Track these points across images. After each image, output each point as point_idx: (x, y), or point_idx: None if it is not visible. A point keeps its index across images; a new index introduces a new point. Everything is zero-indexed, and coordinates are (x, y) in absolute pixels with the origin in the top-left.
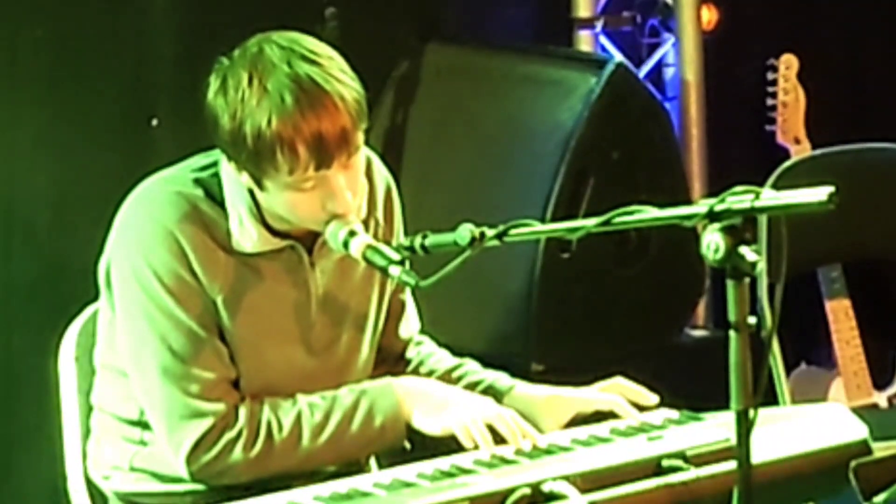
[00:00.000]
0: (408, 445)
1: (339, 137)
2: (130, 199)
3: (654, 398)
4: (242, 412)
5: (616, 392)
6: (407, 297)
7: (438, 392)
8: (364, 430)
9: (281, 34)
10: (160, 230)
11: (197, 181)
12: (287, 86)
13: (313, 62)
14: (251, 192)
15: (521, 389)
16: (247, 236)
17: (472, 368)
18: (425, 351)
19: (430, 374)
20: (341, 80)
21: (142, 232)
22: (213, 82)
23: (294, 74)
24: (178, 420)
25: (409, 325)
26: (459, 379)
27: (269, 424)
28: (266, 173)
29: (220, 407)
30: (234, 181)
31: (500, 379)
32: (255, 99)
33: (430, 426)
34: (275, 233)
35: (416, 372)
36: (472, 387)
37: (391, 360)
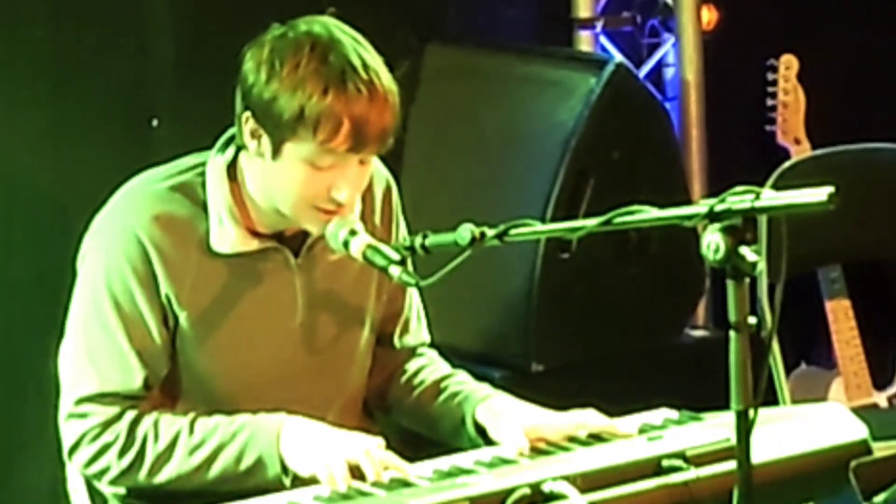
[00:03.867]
0: (287, 483)
1: (381, 129)
2: (113, 197)
3: (628, 428)
4: (126, 418)
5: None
6: (411, 306)
7: (318, 433)
8: (237, 461)
9: (335, 21)
10: (127, 234)
11: (179, 182)
12: (350, 63)
13: (371, 54)
14: (235, 194)
15: (495, 402)
16: (225, 236)
17: (458, 380)
18: (423, 362)
19: (419, 385)
20: (391, 79)
21: (109, 233)
22: (264, 45)
23: (358, 56)
24: (68, 417)
25: (411, 335)
26: (444, 390)
27: (145, 435)
28: (296, 137)
29: (108, 410)
30: (219, 181)
31: (478, 391)
32: (314, 66)
33: (300, 467)
34: (259, 235)
35: (409, 382)
36: (451, 397)
37: (391, 368)
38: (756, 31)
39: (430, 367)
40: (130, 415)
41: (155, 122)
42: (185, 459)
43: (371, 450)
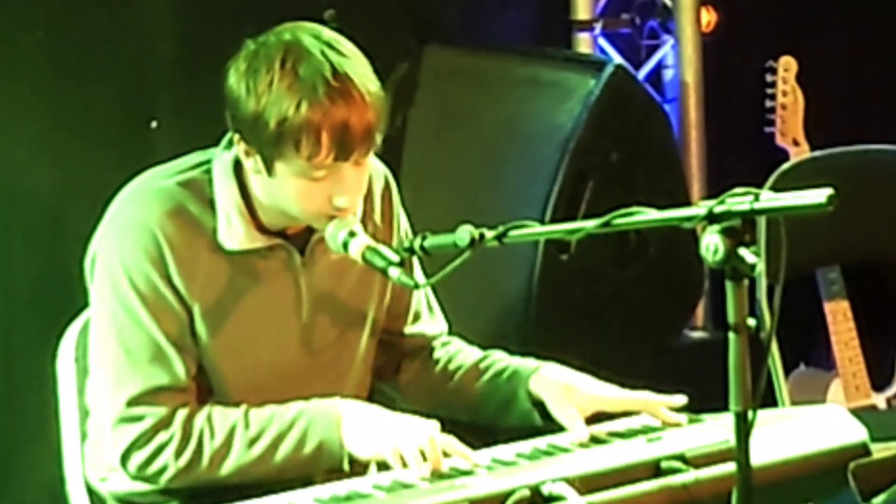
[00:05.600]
0: (346, 467)
1: (364, 131)
2: (120, 196)
3: (681, 399)
4: (179, 417)
5: (644, 401)
6: (419, 300)
7: (378, 417)
8: (297, 449)
9: (309, 25)
10: (141, 229)
11: (186, 179)
12: (320, 73)
13: (344, 55)
14: (241, 190)
15: (547, 372)
16: (233, 233)
17: (498, 357)
18: (453, 349)
19: (457, 369)
20: (369, 76)
21: (123, 229)
22: (240, 63)
23: (328, 64)
24: (119, 420)
25: (425, 324)
26: (487, 369)
27: (201, 432)
28: (283, 156)
29: (160, 410)
30: (226, 178)
31: (525, 364)
32: (286, 83)
33: (363, 450)
34: (265, 231)
35: (444, 370)
36: (498, 374)
37: (416, 360)
38: (755, 33)
39: (463, 352)
40: (182, 413)
41: (154, 124)
42: (244, 452)
43: (434, 436)
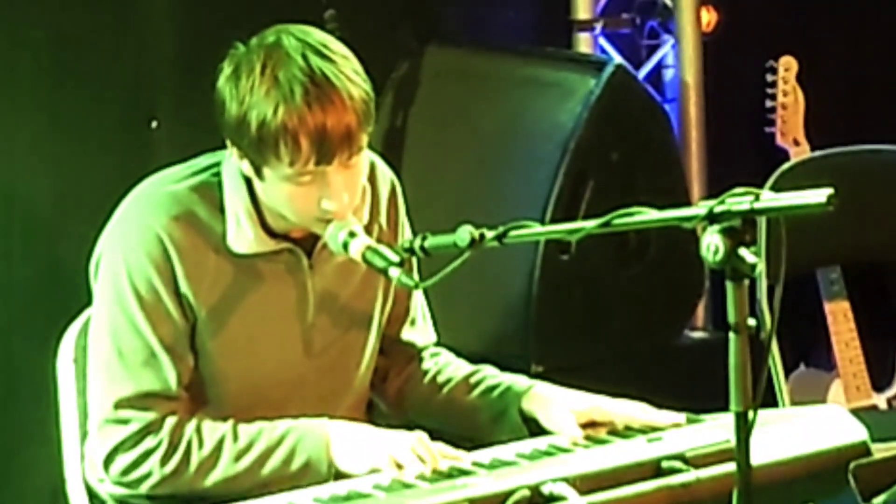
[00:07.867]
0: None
1: (343, 134)
2: (129, 197)
3: (680, 418)
4: (168, 424)
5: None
6: (416, 304)
7: (365, 433)
8: (284, 465)
9: (299, 27)
10: (146, 233)
11: (197, 183)
12: (297, 78)
13: (327, 58)
14: (251, 193)
15: (539, 390)
16: (242, 237)
17: (489, 373)
18: (442, 361)
19: (447, 382)
20: (352, 78)
21: (129, 232)
22: (226, 67)
23: (306, 68)
24: (105, 422)
25: (419, 333)
26: (477, 384)
27: (189, 441)
28: (267, 162)
29: (148, 415)
30: (235, 182)
31: (517, 381)
32: (265, 88)
33: (357, 467)
34: (274, 235)
35: (433, 381)
36: (490, 390)
37: (408, 369)
38: (755, 33)
39: (452, 364)
40: (171, 420)
41: (154, 124)
42: (231, 464)
43: (424, 437)
